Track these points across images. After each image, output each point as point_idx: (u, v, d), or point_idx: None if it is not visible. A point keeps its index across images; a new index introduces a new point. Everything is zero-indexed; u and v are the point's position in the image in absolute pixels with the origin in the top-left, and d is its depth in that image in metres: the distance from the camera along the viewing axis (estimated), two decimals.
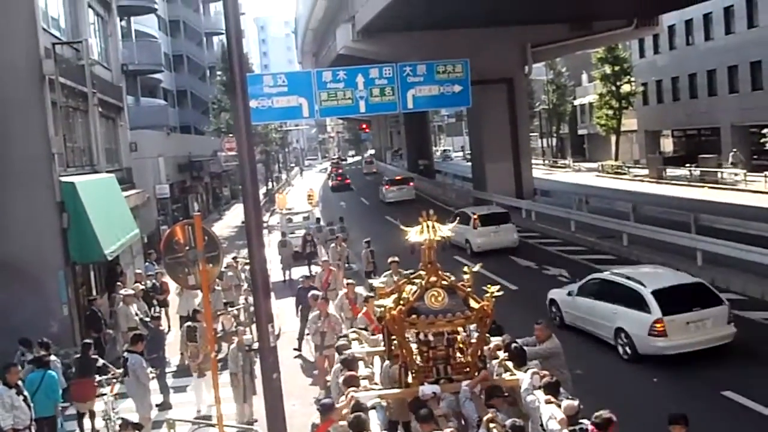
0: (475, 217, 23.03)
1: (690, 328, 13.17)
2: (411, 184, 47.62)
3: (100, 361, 12.86)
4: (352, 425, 7.49)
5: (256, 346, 13.27)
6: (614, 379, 12.73)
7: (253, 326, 14.24)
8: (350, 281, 15.61)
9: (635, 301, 13.67)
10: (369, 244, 21.89)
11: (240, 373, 12.14)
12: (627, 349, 13.62)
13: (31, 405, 10.60)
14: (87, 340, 13.68)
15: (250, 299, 15.96)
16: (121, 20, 33.06)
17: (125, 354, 12.62)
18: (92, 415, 12.63)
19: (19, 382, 10.62)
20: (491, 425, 7.44)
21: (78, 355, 13.09)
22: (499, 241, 25.14)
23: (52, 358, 12.46)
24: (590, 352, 14.12)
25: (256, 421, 11.88)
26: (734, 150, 41.09)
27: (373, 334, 11.52)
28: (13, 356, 12.23)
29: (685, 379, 12.41)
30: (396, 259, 16.14)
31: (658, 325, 13.02)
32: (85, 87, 19.52)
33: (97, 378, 12.39)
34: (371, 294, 13.91)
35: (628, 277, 14.42)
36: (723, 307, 13.57)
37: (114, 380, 12.49)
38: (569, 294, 15.77)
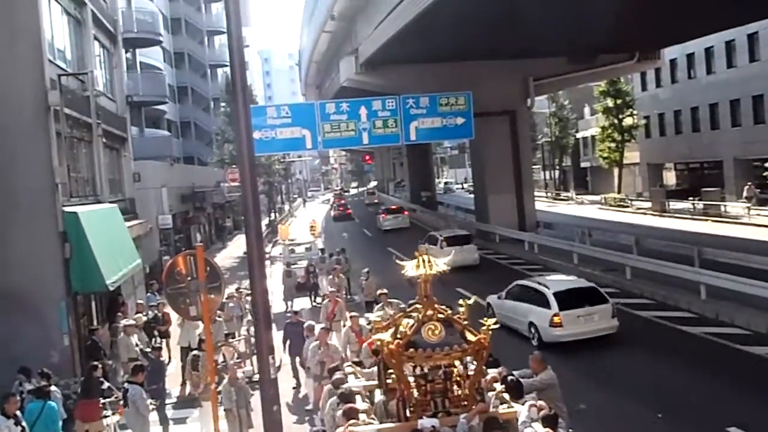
0: (442, 238, 29.18)
1: (581, 321, 16.81)
2: (405, 213, 50.86)
3: (105, 384, 12.93)
4: None
5: (256, 378, 13.28)
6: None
7: (254, 358, 14.17)
8: (354, 314, 15.58)
9: (541, 300, 17.25)
10: (368, 274, 21.82)
11: (234, 408, 11.98)
12: (535, 338, 17.22)
13: None
14: (94, 362, 13.64)
15: (252, 330, 15.89)
16: (126, 52, 33.44)
17: (125, 385, 12.57)
18: None
19: (17, 413, 10.53)
20: None
21: (83, 378, 13.22)
22: (462, 259, 26.83)
23: (53, 388, 12.38)
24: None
25: None
26: (749, 184, 40.87)
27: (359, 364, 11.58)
28: (12, 386, 12.12)
29: (690, 415, 12.25)
30: (385, 291, 16.57)
31: (555, 318, 16.67)
32: (89, 118, 19.64)
33: (102, 400, 12.43)
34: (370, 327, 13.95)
35: (538, 283, 18.38)
36: (608, 305, 17.27)
37: (120, 404, 12.43)
38: (499, 297, 19.24)
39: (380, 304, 16.44)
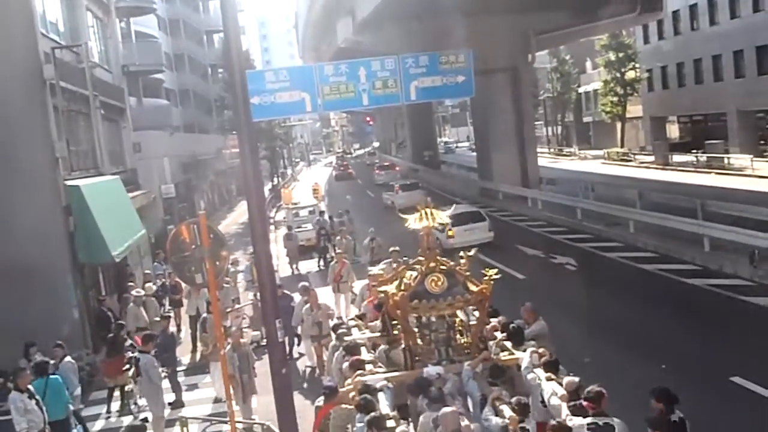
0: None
1: (466, 233, 23.75)
2: (397, 168, 57.13)
3: (128, 342, 14.36)
4: (361, 407, 7.67)
5: (264, 342, 13.45)
6: None
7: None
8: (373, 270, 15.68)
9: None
10: (373, 234, 21.87)
11: (237, 374, 12.09)
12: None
13: (44, 408, 10.64)
14: (120, 322, 15.23)
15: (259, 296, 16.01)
16: (120, 21, 33.05)
17: (137, 354, 12.72)
18: (122, 390, 13.95)
19: (30, 387, 10.65)
20: (497, 403, 7.66)
21: (111, 335, 14.54)
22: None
23: (67, 359, 12.57)
24: None
25: (254, 419, 11.95)
26: None
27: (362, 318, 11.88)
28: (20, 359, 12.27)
29: (693, 367, 12.36)
30: (397, 248, 16.74)
31: (449, 232, 22.88)
32: (86, 90, 19.57)
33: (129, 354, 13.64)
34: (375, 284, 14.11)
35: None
36: (485, 222, 25.22)
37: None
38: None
39: (389, 260, 16.50)
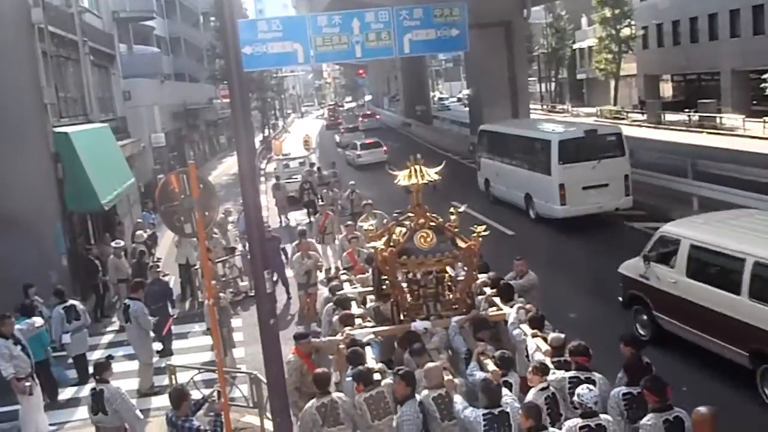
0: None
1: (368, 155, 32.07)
2: (377, 116, 66.08)
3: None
4: (350, 359, 7.80)
5: (252, 293, 13.53)
6: None
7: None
8: (349, 223, 15.88)
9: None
10: (353, 187, 21.87)
11: (218, 327, 12.16)
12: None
13: (30, 354, 10.70)
14: (141, 249, 16.97)
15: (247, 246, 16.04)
16: None
17: (126, 301, 12.76)
18: None
19: (16, 333, 10.67)
20: (482, 357, 7.75)
21: (134, 261, 16.33)
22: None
23: (59, 308, 12.69)
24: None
25: (240, 368, 12.07)
26: None
27: (355, 275, 11.97)
28: (10, 308, 12.29)
29: None
30: (370, 201, 17.49)
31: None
32: (75, 35, 19.28)
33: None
34: (355, 236, 14.32)
35: None
36: (381, 148, 34.79)
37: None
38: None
39: (364, 215, 16.76)
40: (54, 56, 17.66)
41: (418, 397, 7.17)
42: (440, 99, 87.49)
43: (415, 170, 9.11)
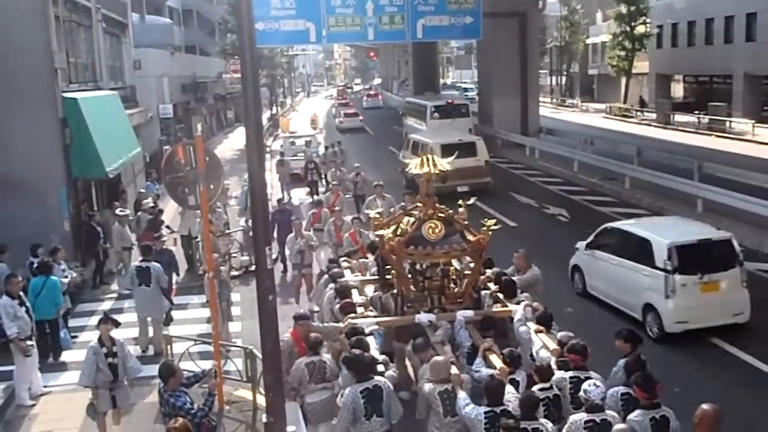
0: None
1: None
2: (380, 96, 72.88)
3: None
4: (354, 347, 7.68)
5: (252, 268, 13.57)
6: None
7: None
8: (337, 208, 15.70)
9: None
10: (359, 169, 21.84)
11: (217, 300, 12.19)
12: None
13: (32, 316, 10.78)
14: (160, 209, 17.78)
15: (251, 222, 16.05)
16: None
17: (142, 264, 12.69)
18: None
19: (21, 294, 10.76)
20: (488, 354, 7.69)
21: (151, 217, 17.11)
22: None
23: (63, 267, 12.93)
24: None
25: (235, 342, 12.14)
26: None
27: (361, 257, 11.89)
28: (16, 269, 12.36)
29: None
30: (380, 183, 17.20)
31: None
32: (88, 2, 19.20)
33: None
34: (357, 216, 14.27)
35: None
36: (360, 117, 45.24)
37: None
38: None
39: (373, 197, 16.71)
40: (66, 21, 17.62)
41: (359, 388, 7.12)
42: (464, 89, 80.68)
43: (427, 159, 8.99)
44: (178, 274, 14.60)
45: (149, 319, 12.72)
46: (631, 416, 6.35)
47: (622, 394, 6.81)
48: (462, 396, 6.84)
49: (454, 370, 7.21)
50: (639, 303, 12.18)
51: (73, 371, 11.19)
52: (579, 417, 6.35)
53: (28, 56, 15.55)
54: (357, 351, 7.53)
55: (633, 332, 7.76)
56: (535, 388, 6.97)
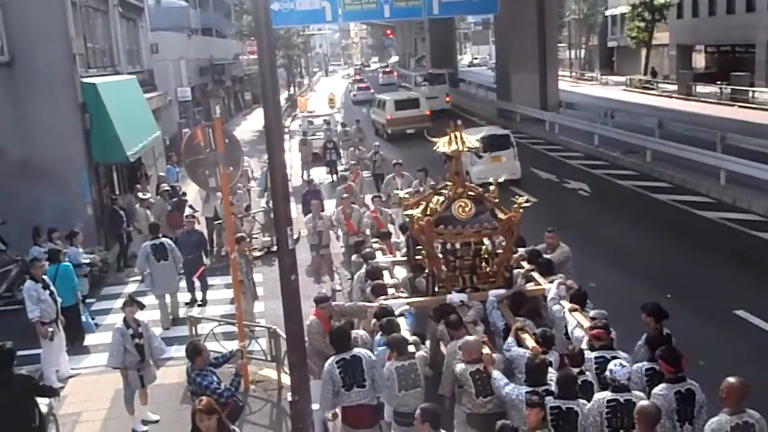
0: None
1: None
2: (394, 73, 70.23)
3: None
4: (384, 328, 7.69)
5: (274, 249, 13.63)
6: None
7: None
8: (345, 196, 15.15)
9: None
10: (378, 147, 21.76)
11: (246, 279, 12.26)
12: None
13: (58, 300, 10.91)
14: (183, 191, 18.24)
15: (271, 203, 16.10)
16: None
17: (156, 241, 13.00)
18: None
19: (45, 277, 10.88)
20: (520, 333, 7.61)
21: (175, 199, 17.53)
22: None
23: (80, 250, 13.22)
24: None
25: (260, 322, 12.23)
26: None
27: (385, 237, 11.83)
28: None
29: (698, 298, 12.45)
30: (399, 161, 17.08)
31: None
32: None
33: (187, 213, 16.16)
34: (377, 194, 14.16)
35: None
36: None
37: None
38: None
39: (392, 175, 16.68)
40: (83, 7, 17.68)
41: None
42: (473, 60, 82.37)
43: (455, 137, 8.82)
44: (207, 255, 14.69)
45: (167, 295, 13.11)
46: (655, 390, 6.30)
47: (647, 369, 6.75)
48: (498, 376, 6.81)
49: (485, 350, 7.16)
50: None
51: (99, 353, 11.36)
52: (602, 396, 6.30)
53: (46, 43, 15.66)
54: (336, 324, 7.83)
55: (658, 306, 7.64)
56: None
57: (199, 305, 13.99)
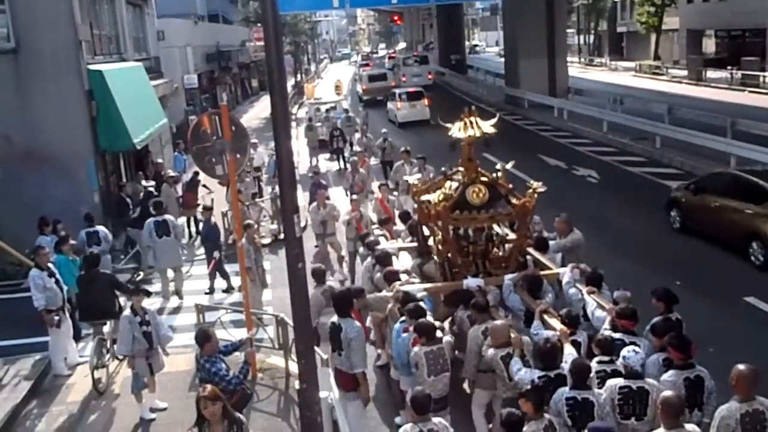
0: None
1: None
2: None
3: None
4: (410, 312, 7.68)
5: (282, 237, 13.57)
6: None
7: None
8: (354, 197, 14.91)
9: None
10: (386, 135, 21.67)
11: (254, 266, 12.21)
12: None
13: (64, 287, 10.91)
14: (196, 169, 16.71)
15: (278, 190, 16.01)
16: None
17: (159, 218, 13.57)
18: (195, 218, 17.61)
19: (50, 265, 10.89)
20: (545, 316, 7.62)
21: (189, 178, 18.18)
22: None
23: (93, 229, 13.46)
24: None
25: (267, 310, 12.21)
26: None
27: (386, 223, 11.86)
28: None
29: (707, 285, 12.36)
30: (407, 148, 17.00)
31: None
32: None
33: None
34: (385, 183, 14.07)
35: None
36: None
37: None
38: None
39: (401, 162, 16.60)
40: None
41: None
42: (474, 46, 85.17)
43: (470, 123, 8.77)
44: (219, 249, 14.59)
45: (170, 269, 13.79)
46: (664, 376, 6.25)
47: (664, 359, 6.64)
48: (514, 360, 6.82)
49: (513, 333, 7.16)
50: None
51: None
52: (615, 382, 6.23)
53: (52, 29, 15.61)
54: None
55: (668, 291, 7.60)
56: (594, 361, 6.70)
57: (206, 293, 13.98)
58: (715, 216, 14.15)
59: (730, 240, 13.73)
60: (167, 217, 13.78)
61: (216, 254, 14.01)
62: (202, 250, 15.48)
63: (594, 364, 6.57)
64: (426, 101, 33.32)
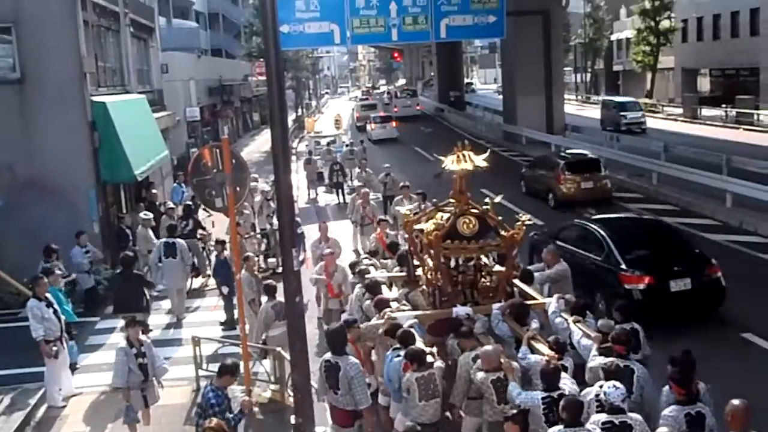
0: None
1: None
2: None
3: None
4: (401, 339, 7.83)
5: (279, 270, 13.60)
6: None
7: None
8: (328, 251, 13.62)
9: None
10: (389, 169, 21.74)
11: (256, 298, 12.11)
12: None
13: (61, 318, 10.90)
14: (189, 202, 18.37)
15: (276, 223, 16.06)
16: None
17: (169, 240, 14.63)
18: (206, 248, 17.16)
19: (48, 295, 10.85)
20: (533, 342, 7.75)
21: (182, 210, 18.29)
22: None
23: (87, 248, 14.23)
24: None
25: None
26: None
27: (384, 258, 11.96)
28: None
29: (707, 320, 12.39)
30: (407, 183, 17.22)
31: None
32: (117, 6, 19.45)
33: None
34: (384, 218, 14.17)
35: None
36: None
37: None
38: None
39: (400, 197, 16.67)
40: (95, 26, 17.85)
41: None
42: (468, 84, 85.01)
43: (462, 156, 9.06)
44: (230, 287, 14.42)
45: (174, 291, 14.49)
46: (665, 412, 6.32)
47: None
48: (512, 386, 6.96)
49: (503, 358, 7.31)
50: None
51: (103, 372, 11.31)
52: (598, 417, 6.28)
53: (57, 61, 15.79)
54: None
55: (627, 306, 8.34)
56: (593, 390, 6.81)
57: (220, 324, 13.89)
58: None
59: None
60: (177, 240, 14.65)
61: (225, 289, 13.84)
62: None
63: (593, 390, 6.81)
64: (394, 123, 43.49)
